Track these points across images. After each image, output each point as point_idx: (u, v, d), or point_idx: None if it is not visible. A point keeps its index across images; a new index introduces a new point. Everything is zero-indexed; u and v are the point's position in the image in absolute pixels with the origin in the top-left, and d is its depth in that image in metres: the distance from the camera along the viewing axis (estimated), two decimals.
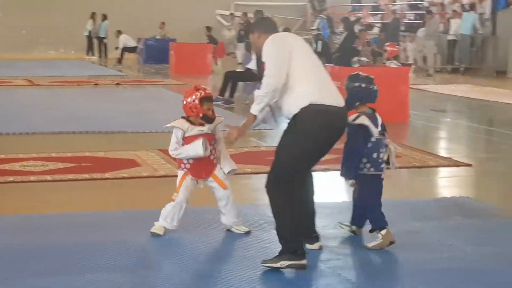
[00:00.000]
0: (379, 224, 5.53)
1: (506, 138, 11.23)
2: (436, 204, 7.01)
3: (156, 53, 26.60)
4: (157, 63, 25.89)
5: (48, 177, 7.84)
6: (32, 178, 7.80)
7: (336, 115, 5.07)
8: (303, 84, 5.09)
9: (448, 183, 8.07)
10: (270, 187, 5.11)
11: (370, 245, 5.54)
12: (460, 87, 19.36)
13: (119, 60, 26.66)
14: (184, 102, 5.83)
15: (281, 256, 5.05)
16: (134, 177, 7.93)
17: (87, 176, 7.92)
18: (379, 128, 5.62)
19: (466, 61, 24.23)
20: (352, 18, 26.20)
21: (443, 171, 8.73)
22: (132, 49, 27.07)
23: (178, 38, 26.80)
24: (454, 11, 25.39)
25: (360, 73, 5.79)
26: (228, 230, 5.98)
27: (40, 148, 9.47)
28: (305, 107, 5.02)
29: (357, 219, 5.81)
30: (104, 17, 29.60)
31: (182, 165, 5.92)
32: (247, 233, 5.91)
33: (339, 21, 25.99)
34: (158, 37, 27.92)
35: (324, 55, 22.50)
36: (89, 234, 5.87)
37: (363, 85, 5.62)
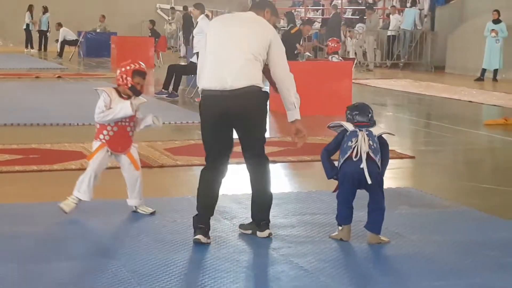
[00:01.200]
0: (339, 221, 5.66)
1: (445, 131, 11.51)
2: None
3: (96, 46, 26.49)
4: (98, 57, 25.77)
5: None
6: None
7: (216, 97, 5.38)
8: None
9: (392, 175, 8.24)
10: None
11: (331, 234, 5.71)
12: (399, 82, 19.72)
13: (59, 53, 26.40)
14: (118, 72, 6.05)
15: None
16: (82, 168, 7.90)
17: (35, 167, 7.91)
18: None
19: (405, 56, 24.68)
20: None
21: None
22: (72, 42, 26.85)
23: (119, 32, 26.69)
24: (393, 6, 25.81)
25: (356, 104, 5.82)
26: (134, 211, 6.21)
27: None
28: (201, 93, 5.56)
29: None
30: (45, 10, 29.26)
31: (101, 136, 6.08)
32: (152, 213, 6.16)
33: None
34: (98, 30, 27.76)
35: None
36: (41, 224, 5.89)
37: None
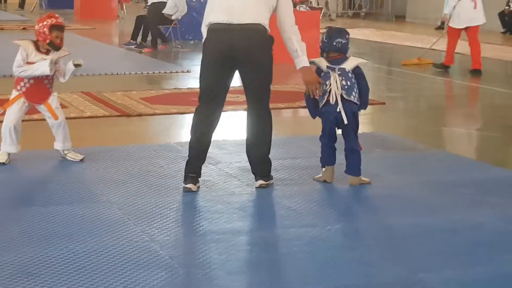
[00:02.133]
0: (322, 162, 5.90)
1: (410, 78, 11.83)
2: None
3: None
4: (60, 8, 25.42)
5: None
6: None
7: (223, 30, 5.38)
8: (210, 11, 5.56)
9: (366, 120, 8.50)
10: None
11: (315, 177, 5.95)
12: (362, 31, 19.92)
13: (21, 4, 26.05)
14: (36, 27, 6.10)
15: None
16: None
17: None
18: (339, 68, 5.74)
19: (366, 6, 24.87)
20: None
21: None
22: None
23: None
24: None
25: (332, 27, 6.04)
26: (62, 157, 6.33)
27: None
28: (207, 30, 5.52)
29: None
30: None
31: (19, 87, 6.21)
32: (82, 160, 6.28)
33: None
34: None
35: None
36: (27, 172, 6.06)
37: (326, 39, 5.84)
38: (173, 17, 15.08)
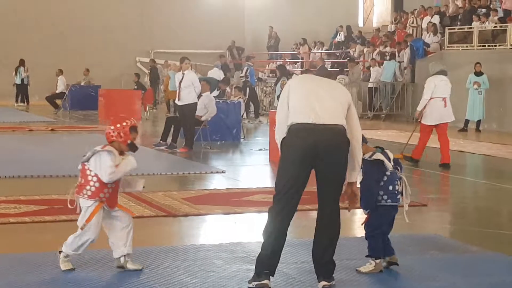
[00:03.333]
0: (377, 253, 5.96)
1: (449, 180, 11.88)
2: (408, 239, 7.42)
3: (81, 99, 26.60)
4: (82, 109, 25.87)
5: (27, 219, 7.93)
6: (11, 219, 7.88)
7: (308, 130, 5.51)
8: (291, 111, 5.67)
9: (412, 222, 8.49)
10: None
11: (362, 269, 6.02)
12: (385, 132, 20.09)
13: (56, 105, 26.24)
14: (112, 128, 5.97)
15: (253, 277, 5.65)
16: None
17: (64, 217, 8.03)
18: (392, 163, 6.07)
19: (387, 107, 25.16)
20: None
21: (401, 211, 9.12)
22: (61, 95, 26.76)
23: (102, 85, 26.89)
24: (373, 59, 26.35)
25: None
26: (120, 267, 6.02)
27: None
28: (287, 130, 5.62)
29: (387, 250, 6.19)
30: (21, 63, 29.14)
31: (101, 195, 5.94)
32: (141, 270, 6.02)
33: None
34: (82, 83, 27.91)
35: (252, 101, 23.06)
36: (81, 271, 6.03)
37: None
38: (202, 118, 15.29)
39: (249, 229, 7.92)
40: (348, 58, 27.42)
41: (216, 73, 22.63)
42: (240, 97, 18.73)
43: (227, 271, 6.11)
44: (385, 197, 6.02)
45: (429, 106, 13.13)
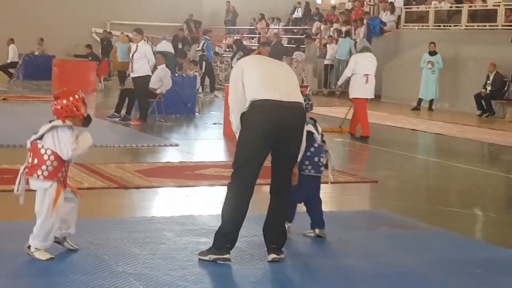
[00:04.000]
0: (290, 218, 6.36)
1: (399, 158, 12.02)
2: (359, 215, 7.52)
3: (34, 69, 26.25)
4: (36, 79, 25.55)
5: None
6: None
7: (273, 107, 5.50)
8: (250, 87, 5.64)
9: (361, 197, 8.61)
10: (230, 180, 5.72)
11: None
12: (340, 109, 20.18)
13: (10, 74, 25.89)
14: (64, 101, 5.47)
15: (208, 250, 5.67)
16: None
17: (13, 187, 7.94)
18: (320, 136, 6.34)
19: (342, 85, 25.22)
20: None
21: (352, 187, 9.25)
22: (11, 64, 26.42)
23: (55, 55, 26.56)
24: (330, 36, 26.42)
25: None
26: (57, 242, 5.68)
27: None
28: (248, 105, 5.58)
29: (317, 222, 6.40)
30: None
31: (60, 174, 5.49)
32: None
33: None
34: (36, 53, 27.52)
35: (208, 75, 22.99)
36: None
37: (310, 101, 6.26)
38: (157, 91, 15.22)
39: (201, 202, 7.94)
40: (305, 35, 27.46)
41: (164, 46, 22.46)
42: (196, 71, 18.67)
43: (178, 243, 6.13)
44: (310, 167, 6.22)
45: (353, 82, 14.04)
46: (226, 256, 5.61)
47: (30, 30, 30.12)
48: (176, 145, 12.00)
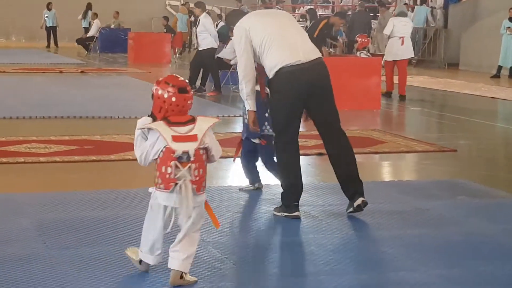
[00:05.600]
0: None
1: (477, 126, 11.78)
2: (438, 185, 7.38)
3: (110, 42, 26.60)
4: (112, 52, 25.89)
5: (57, 158, 7.99)
6: (42, 159, 7.95)
7: (299, 72, 5.68)
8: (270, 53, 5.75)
9: (440, 167, 8.45)
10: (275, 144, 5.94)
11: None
12: (416, 78, 19.89)
13: (87, 47, 26.37)
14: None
15: (280, 207, 5.91)
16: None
17: (94, 157, 8.09)
18: None
19: (418, 53, 24.84)
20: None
21: (431, 156, 9.08)
22: (90, 38, 26.83)
23: (131, 28, 26.85)
24: (406, 4, 25.97)
25: None
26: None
27: (28, 132, 9.63)
28: (274, 74, 5.73)
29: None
30: (50, 6, 29.19)
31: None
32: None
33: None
34: (112, 26, 27.86)
35: None
36: (111, 209, 6.09)
37: None
38: (231, 62, 15.22)
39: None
40: (379, 3, 27.03)
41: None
42: None
43: (254, 212, 6.17)
44: (268, 127, 6.38)
45: (388, 45, 14.98)
46: (296, 213, 5.81)
47: (105, 4, 30.46)
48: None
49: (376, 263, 5.02)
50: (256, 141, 6.50)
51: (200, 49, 14.86)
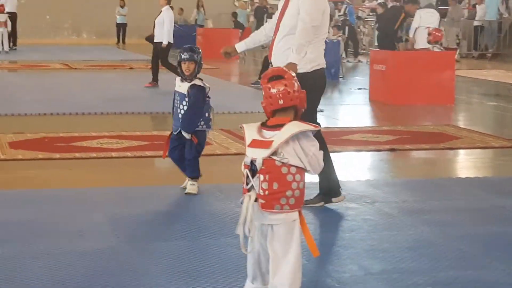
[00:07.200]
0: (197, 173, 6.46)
1: None
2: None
3: (177, 38, 26.66)
4: (179, 48, 25.98)
5: (129, 154, 8.05)
6: (114, 154, 8.02)
7: (323, 74, 6.18)
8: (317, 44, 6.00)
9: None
10: None
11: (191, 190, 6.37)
12: (491, 72, 19.47)
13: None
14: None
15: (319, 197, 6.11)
16: (209, 154, 8.07)
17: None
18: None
19: (493, 46, 24.29)
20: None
21: (507, 152, 8.83)
22: None
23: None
24: None
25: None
26: None
27: (100, 127, 9.74)
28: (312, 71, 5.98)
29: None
30: (123, 3, 29.57)
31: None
32: None
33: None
34: (178, 23, 27.96)
35: (352, 40, 22.71)
36: (183, 204, 6.10)
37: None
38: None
39: (349, 168, 7.79)
40: None
41: None
42: (339, 36, 18.43)
43: (324, 207, 6.07)
44: (202, 122, 6.44)
45: (417, 35, 14.61)
46: (342, 196, 6.13)
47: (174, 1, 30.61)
48: (321, 110, 11.82)
49: (453, 261, 4.88)
50: (188, 136, 6.43)
51: None
